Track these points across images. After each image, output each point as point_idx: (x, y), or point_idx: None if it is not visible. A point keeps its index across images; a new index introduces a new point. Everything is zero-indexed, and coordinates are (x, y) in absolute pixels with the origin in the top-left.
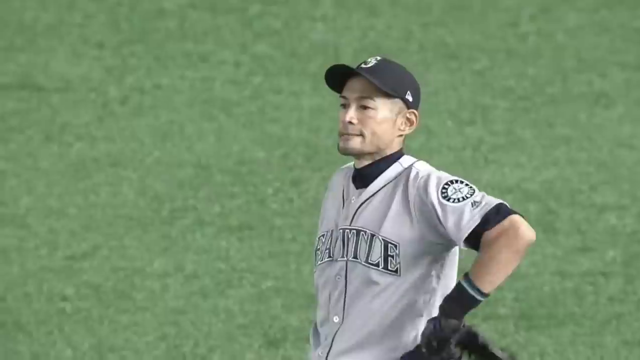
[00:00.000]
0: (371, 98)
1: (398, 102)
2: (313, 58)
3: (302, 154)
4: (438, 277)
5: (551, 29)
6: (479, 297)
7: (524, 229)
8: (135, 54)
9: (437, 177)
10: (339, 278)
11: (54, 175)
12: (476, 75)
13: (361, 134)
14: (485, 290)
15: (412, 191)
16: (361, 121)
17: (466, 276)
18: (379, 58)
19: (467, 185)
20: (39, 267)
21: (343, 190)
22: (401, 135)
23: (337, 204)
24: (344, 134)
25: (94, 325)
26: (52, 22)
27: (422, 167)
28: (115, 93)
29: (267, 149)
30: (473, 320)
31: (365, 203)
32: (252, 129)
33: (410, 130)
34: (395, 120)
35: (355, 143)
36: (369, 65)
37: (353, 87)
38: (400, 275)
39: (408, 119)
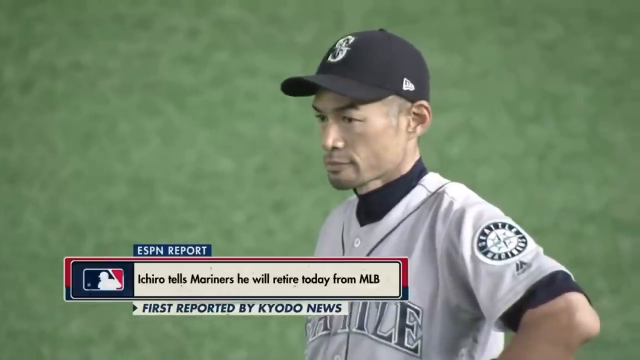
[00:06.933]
0: (353, 107)
1: (394, 99)
2: (304, 24)
3: (288, 163)
4: (471, 358)
5: None
6: None
7: (584, 316)
8: (43, 18)
9: (476, 213)
10: (337, 358)
11: None
12: (544, 49)
13: (353, 162)
14: None
15: (440, 230)
16: (349, 143)
17: None
18: (350, 39)
19: (517, 233)
20: None
21: (342, 232)
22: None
23: (335, 253)
24: (331, 164)
25: None
26: None
27: (457, 194)
28: (13, 75)
29: (236, 157)
30: None
31: (377, 248)
32: (215, 128)
33: (425, 129)
34: (398, 124)
35: (349, 174)
36: (337, 59)
37: (325, 97)
38: (420, 355)
39: (416, 114)
